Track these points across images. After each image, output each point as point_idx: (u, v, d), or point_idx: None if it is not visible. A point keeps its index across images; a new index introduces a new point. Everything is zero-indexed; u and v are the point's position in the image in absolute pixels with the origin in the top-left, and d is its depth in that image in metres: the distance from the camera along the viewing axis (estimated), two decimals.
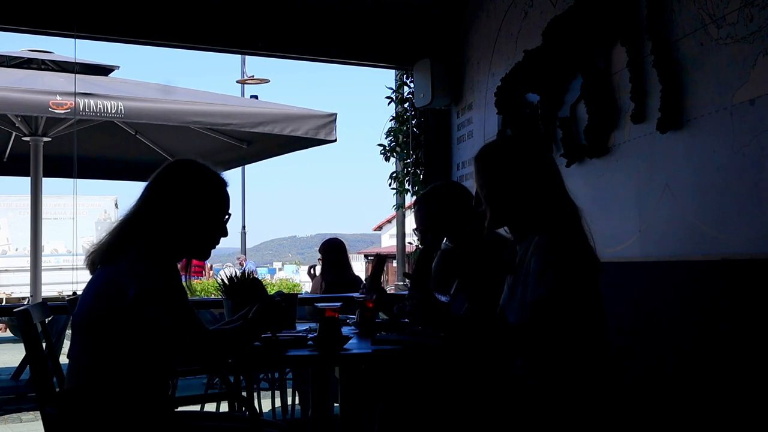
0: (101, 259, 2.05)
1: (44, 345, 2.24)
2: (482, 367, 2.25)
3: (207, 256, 2.21)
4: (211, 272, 16.97)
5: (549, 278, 1.96)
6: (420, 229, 2.97)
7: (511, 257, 2.21)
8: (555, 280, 1.96)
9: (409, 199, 5.15)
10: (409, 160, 5.00)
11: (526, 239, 2.13)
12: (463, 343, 2.12)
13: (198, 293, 10.14)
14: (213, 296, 8.92)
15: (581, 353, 2.04)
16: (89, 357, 1.99)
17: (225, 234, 2.18)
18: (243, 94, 14.51)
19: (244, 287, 2.47)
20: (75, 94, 4.63)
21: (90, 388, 1.96)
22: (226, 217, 2.18)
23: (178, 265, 2.19)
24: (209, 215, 2.13)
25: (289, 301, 2.34)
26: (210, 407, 4.20)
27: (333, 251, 5.21)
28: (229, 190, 2.20)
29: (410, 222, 5.37)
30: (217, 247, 2.19)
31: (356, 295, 3.21)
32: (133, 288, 1.90)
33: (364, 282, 3.53)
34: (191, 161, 2.20)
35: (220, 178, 2.18)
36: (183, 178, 2.14)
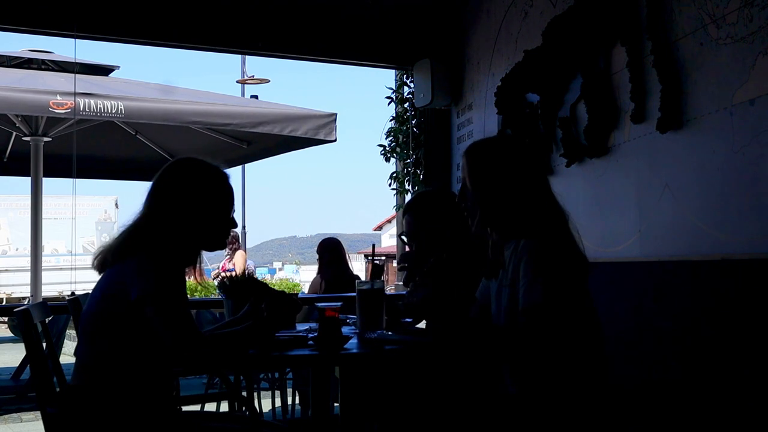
0: (110, 259, 2.05)
1: (44, 345, 2.24)
2: (477, 372, 2.25)
3: (222, 246, 2.21)
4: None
5: (541, 284, 1.96)
6: (411, 235, 2.89)
7: (495, 258, 2.20)
8: (547, 286, 1.95)
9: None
10: (409, 160, 5.00)
11: (511, 241, 2.13)
12: (460, 340, 2.10)
13: (197, 293, 10.13)
14: (213, 296, 8.91)
15: (576, 360, 2.04)
16: (94, 355, 2.00)
17: (234, 225, 2.21)
18: (243, 94, 14.46)
19: (244, 286, 2.47)
20: (75, 94, 4.63)
21: (92, 387, 1.97)
22: (233, 209, 2.20)
23: (189, 269, 2.19)
24: (216, 210, 2.14)
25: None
26: (210, 407, 4.20)
27: (328, 250, 5.33)
28: (231, 182, 2.22)
29: None
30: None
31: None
32: (136, 289, 1.91)
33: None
34: (191, 159, 2.21)
35: (221, 172, 2.20)
36: (186, 176, 2.15)
